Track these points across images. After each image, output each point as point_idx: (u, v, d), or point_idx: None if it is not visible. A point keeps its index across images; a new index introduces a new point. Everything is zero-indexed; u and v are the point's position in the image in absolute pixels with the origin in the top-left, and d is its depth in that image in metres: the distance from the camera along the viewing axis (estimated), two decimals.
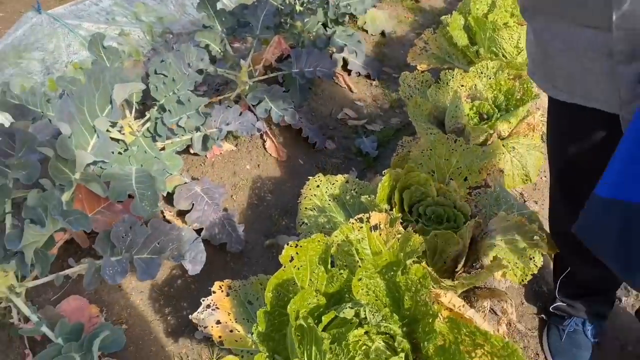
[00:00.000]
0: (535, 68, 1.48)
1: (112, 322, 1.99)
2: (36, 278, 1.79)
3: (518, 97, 2.39)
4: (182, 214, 2.32)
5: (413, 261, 1.46)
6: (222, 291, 1.68)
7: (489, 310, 1.88)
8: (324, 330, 1.30)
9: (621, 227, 1.11)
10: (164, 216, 2.33)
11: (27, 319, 1.73)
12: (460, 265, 1.85)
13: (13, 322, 1.76)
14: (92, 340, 1.49)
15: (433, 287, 1.60)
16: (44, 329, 1.61)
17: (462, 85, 2.51)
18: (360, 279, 1.37)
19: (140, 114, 2.45)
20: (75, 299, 1.93)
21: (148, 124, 2.28)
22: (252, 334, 1.37)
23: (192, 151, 2.52)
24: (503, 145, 2.28)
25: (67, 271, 1.80)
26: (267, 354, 1.36)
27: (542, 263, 1.69)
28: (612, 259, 1.18)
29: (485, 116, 2.40)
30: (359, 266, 1.46)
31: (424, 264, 1.59)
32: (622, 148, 1.12)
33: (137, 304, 2.10)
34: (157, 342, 2.00)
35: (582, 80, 1.31)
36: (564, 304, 1.96)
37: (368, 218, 1.56)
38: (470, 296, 1.82)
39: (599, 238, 1.22)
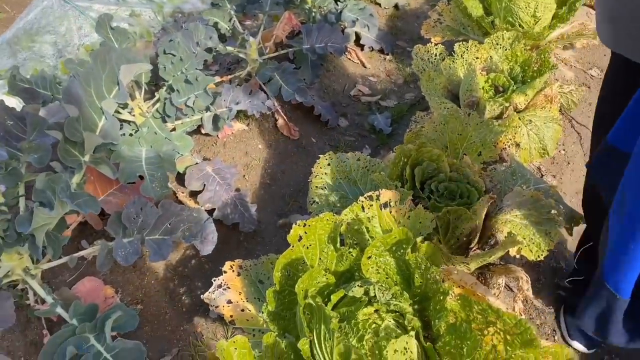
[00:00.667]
0: (605, 22, 1.48)
1: (127, 302, 2.02)
2: (50, 260, 1.81)
3: (535, 68, 2.31)
4: (194, 194, 2.32)
5: (424, 238, 1.44)
6: (233, 271, 1.68)
7: (505, 287, 1.85)
8: (333, 309, 1.28)
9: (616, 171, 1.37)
10: (177, 197, 2.33)
11: (43, 301, 1.76)
12: (474, 243, 1.81)
13: (30, 304, 1.78)
14: (105, 321, 1.50)
15: (445, 264, 1.57)
16: (59, 310, 1.63)
17: (477, 58, 2.43)
18: (369, 257, 1.35)
19: (150, 95, 2.44)
20: (90, 280, 1.95)
21: (157, 105, 2.27)
22: (262, 313, 1.36)
23: (203, 132, 2.50)
24: (519, 118, 2.22)
25: (81, 253, 1.81)
26: (277, 332, 1.36)
27: (559, 238, 1.64)
28: (606, 198, 1.45)
29: (501, 89, 2.33)
30: (369, 244, 1.44)
31: (434, 241, 1.56)
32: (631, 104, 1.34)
33: (152, 284, 2.11)
34: (172, 322, 2.02)
35: None
36: (581, 277, 1.91)
37: (378, 196, 1.54)
38: (484, 273, 1.79)
39: (599, 177, 1.59)
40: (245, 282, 1.68)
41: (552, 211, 1.70)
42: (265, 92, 2.59)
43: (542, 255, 1.66)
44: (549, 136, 2.20)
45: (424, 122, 2.29)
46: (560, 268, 2.14)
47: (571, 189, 2.45)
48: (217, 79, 2.67)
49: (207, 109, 2.32)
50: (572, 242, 2.26)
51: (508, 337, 1.18)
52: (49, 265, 1.80)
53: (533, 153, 2.22)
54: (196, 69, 2.27)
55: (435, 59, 2.55)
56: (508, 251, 1.92)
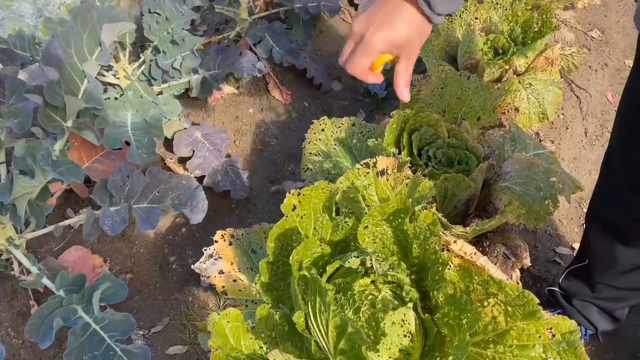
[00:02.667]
0: None
1: (116, 272, 1.97)
2: (34, 230, 1.75)
3: (536, 29, 2.23)
4: (183, 161, 2.25)
5: (422, 207, 1.39)
6: (224, 240, 1.63)
7: (502, 255, 1.82)
8: (328, 280, 1.24)
9: None
10: (165, 164, 2.26)
11: (28, 271, 1.71)
12: (472, 210, 1.78)
13: (15, 274, 1.73)
14: (93, 292, 1.46)
15: (443, 233, 1.53)
16: (45, 280, 1.58)
17: (476, 18, 2.34)
18: (366, 227, 1.31)
19: (135, 57, 2.33)
20: (77, 249, 1.90)
21: (143, 67, 2.17)
22: (255, 284, 1.32)
23: (191, 95, 2.41)
24: (519, 81, 2.15)
25: (66, 222, 1.75)
26: (271, 303, 1.32)
27: (558, 206, 1.60)
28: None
29: (500, 51, 2.25)
30: (366, 213, 1.39)
31: (433, 209, 1.52)
32: None
33: (142, 253, 2.07)
34: (162, 291, 1.98)
35: None
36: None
37: (375, 163, 1.48)
38: (482, 241, 1.76)
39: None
40: (238, 252, 1.64)
41: (552, 178, 1.66)
42: (255, 54, 2.49)
43: (541, 223, 1.62)
44: (549, 100, 2.15)
45: (420, 86, 2.21)
46: (558, 235, 2.12)
47: (569, 154, 2.41)
48: (205, 39, 2.56)
49: (195, 71, 2.22)
50: (568, 210, 2.24)
51: (509, 308, 1.14)
52: (33, 235, 1.74)
53: (532, 118, 2.16)
54: (183, 29, 2.15)
55: None
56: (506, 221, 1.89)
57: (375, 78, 1.13)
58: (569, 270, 1.79)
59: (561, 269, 2.01)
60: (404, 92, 1.12)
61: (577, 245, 2.08)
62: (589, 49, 2.88)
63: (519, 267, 1.69)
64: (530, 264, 1.66)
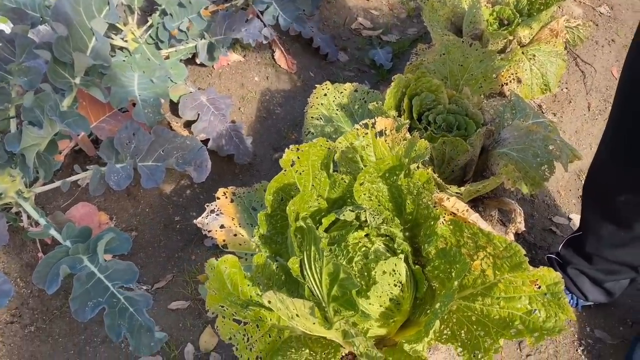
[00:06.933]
0: None
1: (121, 229, 2.03)
2: (43, 185, 1.80)
3: (542, 0, 2.22)
4: (188, 125, 2.29)
5: (418, 167, 1.42)
6: (226, 197, 1.68)
7: (497, 220, 1.85)
8: (324, 232, 1.28)
9: None
10: (171, 127, 2.30)
11: (37, 224, 1.76)
12: (469, 176, 1.80)
13: (24, 226, 1.79)
14: (97, 242, 1.51)
15: (438, 192, 1.56)
16: (52, 231, 1.63)
17: None
18: (362, 184, 1.34)
19: (144, 23, 2.36)
20: (84, 205, 1.96)
21: (150, 31, 2.20)
22: (254, 236, 1.37)
23: (198, 61, 2.44)
24: (523, 52, 2.15)
25: (73, 177, 1.80)
26: (269, 254, 1.37)
27: (554, 172, 1.62)
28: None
29: (505, 22, 2.26)
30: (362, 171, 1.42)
31: (429, 170, 1.55)
32: None
33: (147, 212, 2.12)
34: (166, 249, 2.04)
35: None
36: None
37: (373, 123, 1.51)
38: (478, 205, 1.79)
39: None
40: (239, 209, 1.68)
41: (550, 146, 1.67)
42: (262, 21, 2.51)
43: (537, 189, 1.64)
44: (552, 72, 2.15)
45: (424, 55, 2.23)
46: (555, 204, 2.14)
47: (571, 127, 2.42)
48: (213, 7, 2.57)
49: (202, 35, 2.25)
50: (567, 181, 2.26)
51: (497, 261, 1.18)
52: (42, 189, 1.79)
53: (535, 89, 2.17)
54: None
55: None
56: (503, 189, 1.91)
57: None
58: (568, 238, 1.83)
59: (557, 238, 2.04)
60: None
61: (574, 216, 2.11)
62: (597, 25, 2.86)
63: (514, 231, 1.72)
64: (524, 229, 1.69)
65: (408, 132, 1.58)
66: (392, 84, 1.73)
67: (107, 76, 1.78)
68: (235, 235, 1.60)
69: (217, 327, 1.18)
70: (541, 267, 1.13)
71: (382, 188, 1.36)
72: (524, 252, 1.11)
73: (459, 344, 1.20)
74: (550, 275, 1.12)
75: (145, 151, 1.78)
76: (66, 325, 1.80)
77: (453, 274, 1.18)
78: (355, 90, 1.99)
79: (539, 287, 1.15)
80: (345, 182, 1.40)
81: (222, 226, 1.60)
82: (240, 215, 1.66)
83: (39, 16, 2.07)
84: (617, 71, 2.68)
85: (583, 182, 1.76)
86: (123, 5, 2.17)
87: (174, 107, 2.34)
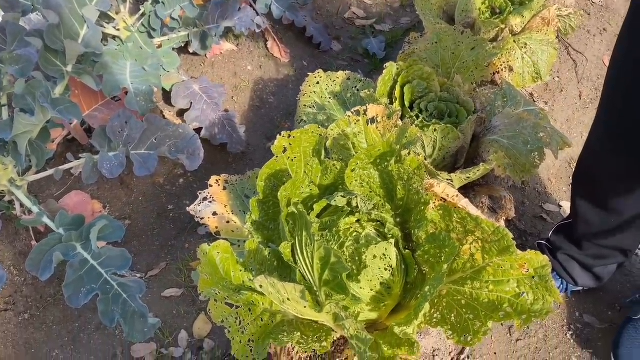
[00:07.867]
0: None
1: (115, 217, 2.03)
2: (36, 173, 1.80)
3: None
4: (181, 114, 2.29)
5: (409, 153, 1.43)
6: (219, 185, 1.69)
7: (488, 208, 1.86)
8: (316, 218, 1.29)
9: None
10: (164, 116, 2.30)
11: (30, 212, 1.77)
12: (460, 163, 1.82)
13: (17, 214, 1.79)
14: (90, 229, 1.52)
15: (429, 178, 1.58)
16: (45, 219, 1.63)
17: None
18: (353, 170, 1.35)
19: (136, 12, 2.35)
20: (77, 194, 1.96)
21: (143, 19, 2.19)
22: (247, 222, 1.37)
23: (190, 50, 2.43)
24: (514, 41, 2.16)
25: (66, 165, 1.80)
26: (261, 240, 1.38)
27: (544, 159, 1.64)
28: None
29: (497, 10, 2.26)
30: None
31: (420, 156, 1.56)
32: None
33: (140, 201, 2.13)
34: (160, 237, 2.05)
35: None
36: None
37: (365, 110, 1.52)
38: (469, 193, 1.80)
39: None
40: (231, 197, 1.69)
41: (540, 133, 1.69)
42: (254, 10, 2.50)
43: (527, 175, 1.66)
44: (543, 60, 2.16)
45: (417, 44, 2.23)
46: (545, 192, 2.16)
47: (562, 116, 2.43)
48: None
49: (194, 24, 2.24)
50: (558, 169, 2.28)
51: (486, 245, 1.19)
52: (34, 178, 1.79)
53: (526, 77, 2.19)
54: None
55: None
56: (495, 177, 1.93)
57: None
58: (558, 225, 1.85)
59: (547, 225, 2.06)
60: None
61: (564, 203, 2.13)
62: (589, 14, 2.88)
63: (504, 218, 1.74)
64: (515, 215, 1.71)
65: (400, 120, 1.59)
66: (384, 71, 1.74)
67: (99, 64, 1.78)
68: (227, 222, 1.60)
69: (209, 309, 1.19)
70: (529, 250, 1.14)
71: (374, 174, 1.37)
72: (511, 236, 1.13)
73: (449, 327, 1.22)
74: (538, 259, 1.14)
75: (137, 139, 1.79)
76: (60, 313, 1.81)
77: (442, 257, 1.20)
78: (348, 79, 1.99)
79: (527, 271, 1.16)
80: (337, 168, 1.41)
81: (214, 213, 1.61)
82: (233, 203, 1.67)
83: (30, 4, 2.06)
84: (609, 60, 2.70)
85: (573, 170, 1.78)
86: None
87: (166, 95, 2.34)
